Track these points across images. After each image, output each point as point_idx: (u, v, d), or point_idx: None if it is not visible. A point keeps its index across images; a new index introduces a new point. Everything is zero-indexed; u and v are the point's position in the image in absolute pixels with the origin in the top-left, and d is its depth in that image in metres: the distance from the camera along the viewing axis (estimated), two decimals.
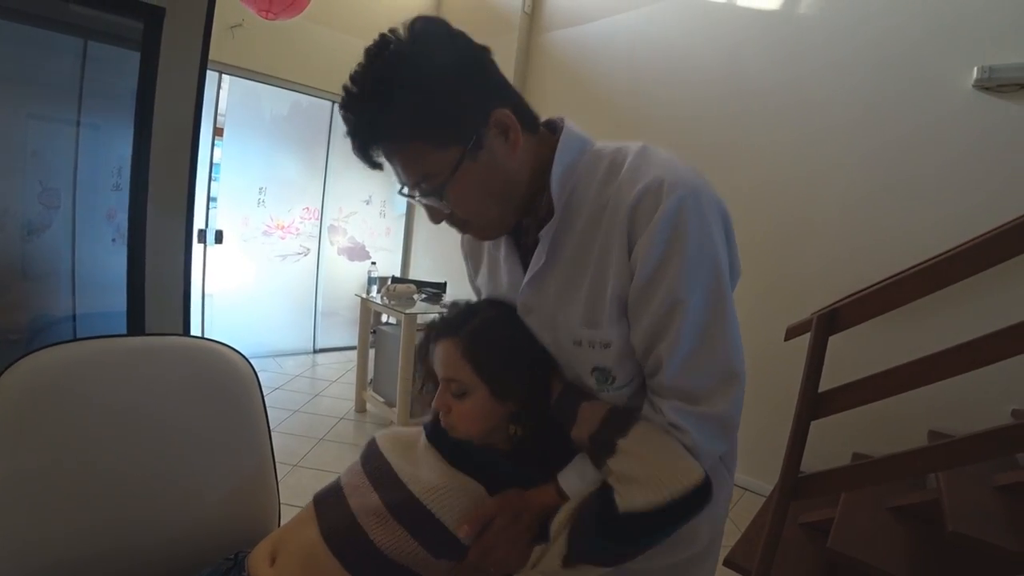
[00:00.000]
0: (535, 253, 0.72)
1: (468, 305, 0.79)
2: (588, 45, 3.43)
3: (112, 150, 1.84)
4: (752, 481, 2.67)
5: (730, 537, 2.08)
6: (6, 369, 0.69)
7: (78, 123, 1.81)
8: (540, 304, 0.74)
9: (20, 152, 1.78)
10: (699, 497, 0.60)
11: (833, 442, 2.15)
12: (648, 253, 0.63)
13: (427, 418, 0.82)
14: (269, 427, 0.97)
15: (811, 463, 1.61)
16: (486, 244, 0.85)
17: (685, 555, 0.77)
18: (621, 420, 0.65)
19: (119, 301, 1.77)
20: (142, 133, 0.83)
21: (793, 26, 2.63)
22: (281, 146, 3.98)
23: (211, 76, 2.68)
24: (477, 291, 0.93)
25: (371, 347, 3.22)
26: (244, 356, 0.97)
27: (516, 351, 0.73)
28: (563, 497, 0.69)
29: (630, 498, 0.60)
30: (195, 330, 2.95)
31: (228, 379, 0.90)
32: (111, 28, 1.61)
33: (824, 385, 1.50)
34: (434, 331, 0.77)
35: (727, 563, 1.80)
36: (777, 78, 2.66)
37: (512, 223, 0.73)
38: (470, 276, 0.94)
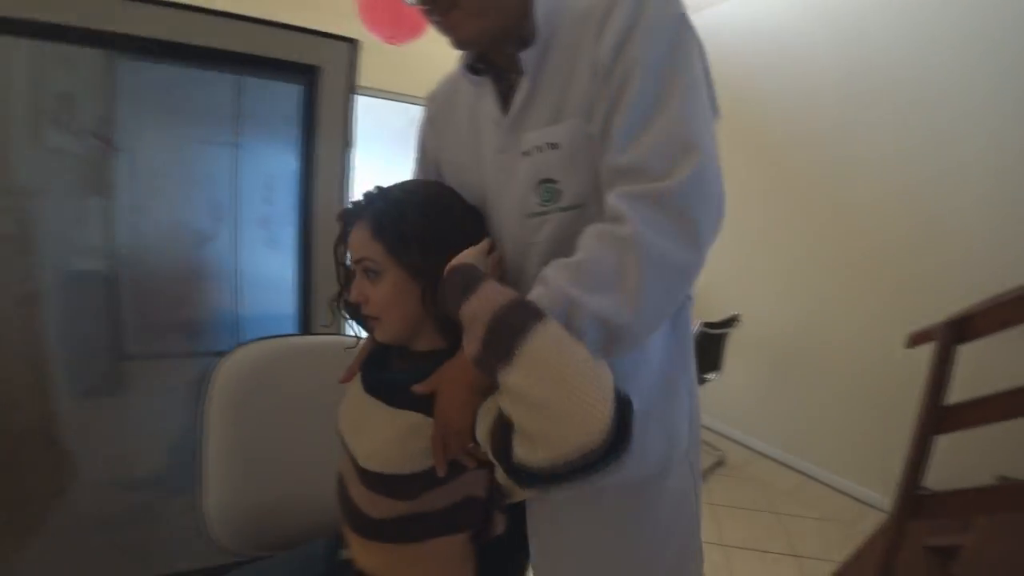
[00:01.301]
0: (519, 86, 0.68)
1: (377, 188, 0.75)
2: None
3: (261, 167, 2.08)
4: (872, 495, 2.49)
5: (839, 550, 1.98)
6: (224, 356, 0.91)
7: (235, 145, 2.12)
8: (513, 143, 0.70)
9: (191, 173, 2.09)
10: (605, 455, 0.48)
11: (972, 461, 1.96)
12: (615, 29, 0.60)
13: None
14: None
15: (945, 482, 1.50)
16: (463, 99, 0.80)
17: (638, 474, 0.70)
18: (507, 333, 0.51)
19: (273, 297, 2.03)
20: (308, 156, 1.04)
21: (925, 2, 2.38)
22: (399, 153, 4.31)
23: None
24: (423, 157, 0.89)
25: None
26: None
27: (427, 226, 0.69)
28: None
29: (523, 452, 0.51)
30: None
31: None
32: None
33: (955, 398, 1.40)
34: (346, 219, 0.75)
35: None
36: (906, 64, 2.40)
37: (492, 27, 0.68)
38: (424, 133, 0.89)
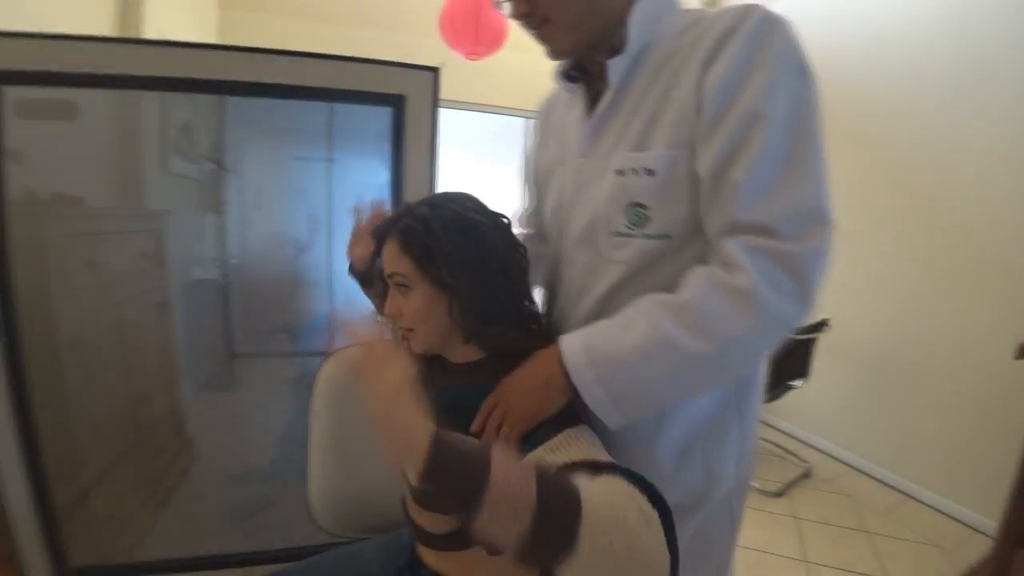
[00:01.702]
0: (604, 94, 0.69)
1: (405, 205, 0.77)
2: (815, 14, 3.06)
3: (353, 180, 2.26)
4: (977, 518, 2.28)
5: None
6: (329, 355, 1.04)
7: (329, 160, 2.32)
8: (595, 152, 0.71)
9: (290, 188, 2.29)
10: None
11: None
12: (728, 65, 0.57)
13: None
14: None
15: None
16: (559, 110, 0.84)
17: (671, 501, 0.67)
18: (559, 519, 0.42)
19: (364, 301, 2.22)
20: (397, 171, 1.17)
21: None
22: (481, 161, 4.46)
23: None
24: (529, 170, 0.94)
25: None
26: None
27: (452, 239, 0.70)
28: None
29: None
30: None
31: None
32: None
33: None
34: (378, 236, 0.77)
35: None
36: (1020, 41, 2.16)
37: (585, 39, 0.68)
38: (529, 151, 0.95)
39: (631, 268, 0.67)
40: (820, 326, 2.53)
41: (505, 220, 0.78)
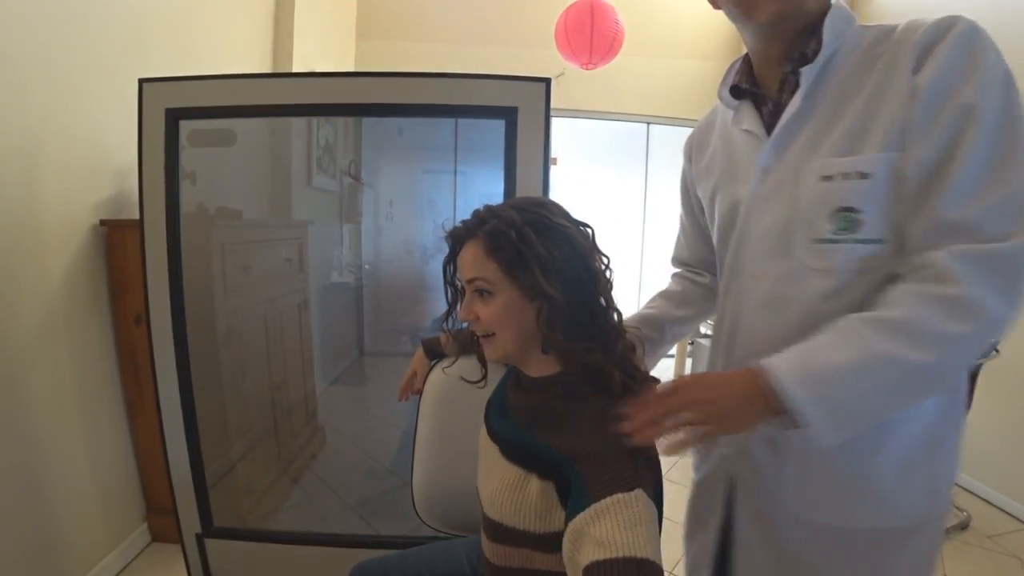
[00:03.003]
0: (791, 102, 0.70)
1: (488, 208, 0.73)
2: (925, 5, 2.77)
3: (476, 189, 2.37)
4: None
5: None
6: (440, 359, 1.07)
7: (454, 172, 2.46)
8: (783, 161, 0.71)
9: (419, 199, 2.47)
10: None
11: None
12: (941, 68, 0.59)
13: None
14: None
15: None
16: (717, 126, 0.87)
17: (891, 524, 0.70)
18: None
19: None
20: (511, 179, 1.23)
21: None
22: (604, 168, 4.44)
23: None
24: (685, 200, 1.00)
25: (688, 357, 3.32)
26: None
27: (543, 244, 0.68)
28: None
29: None
30: None
31: None
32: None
33: None
34: (456, 238, 0.74)
35: None
36: None
37: (788, 13, 0.68)
38: (684, 173, 0.99)
39: (839, 276, 0.67)
40: (987, 351, 2.15)
41: (590, 229, 0.76)
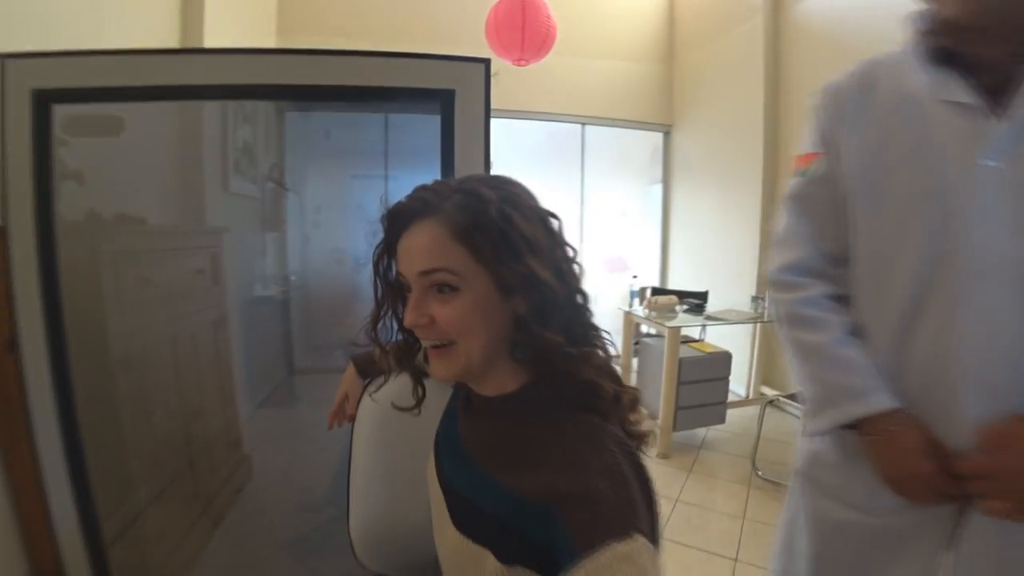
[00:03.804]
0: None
1: (441, 183, 0.59)
2: (851, 7, 2.90)
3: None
4: None
5: None
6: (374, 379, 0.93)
7: (385, 177, 2.27)
8: (1015, 174, 0.60)
9: (349, 204, 2.30)
10: None
11: None
12: None
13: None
14: None
15: None
16: (880, 90, 0.73)
17: None
18: None
19: None
20: (448, 167, 1.10)
21: None
22: (539, 170, 4.38)
23: None
24: (829, 183, 0.77)
25: (634, 356, 3.28)
26: None
27: (528, 222, 0.56)
28: None
29: None
30: None
31: None
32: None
33: None
34: (399, 217, 0.58)
35: None
36: None
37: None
38: (826, 138, 0.78)
39: None
40: None
41: (556, 219, 0.63)
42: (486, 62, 1.08)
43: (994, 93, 0.63)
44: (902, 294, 0.69)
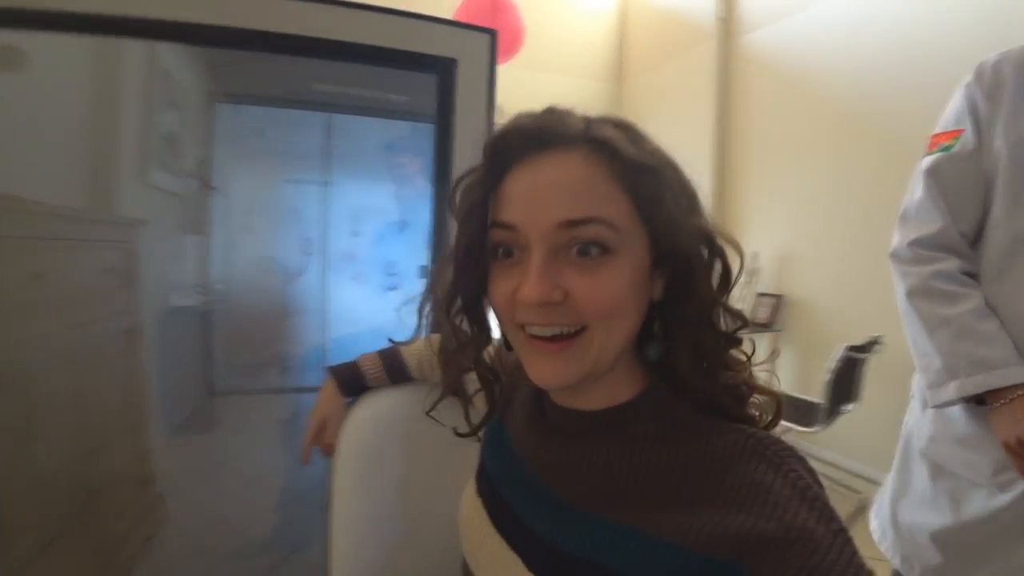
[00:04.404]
0: None
1: (558, 111, 0.43)
2: (797, 39, 3.05)
3: (349, 202, 2.14)
4: None
5: None
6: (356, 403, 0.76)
7: (325, 183, 2.12)
8: None
9: (283, 210, 2.12)
10: None
11: None
12: None
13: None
14: None
15: None
16: (1011, 69, 0.76)
17: None
18: None
19: (360, 332, 1.94)
20: (445, 148, 0.92)
21: None
22: None
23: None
24: (982, 135, 0.78)
25: None
26: None
27: (685, 177, 0.44)
28: None
29: None
30: None
31: None
32: (348, 99, 1.89)
33: None
34: (519, 143, 0.42)
35: None
36: None
37: None
38: (978, 110, 0.80)
39: None
40: (872, 344, 2.32)
41: None
42: (492, 33, 0.95)
43: None
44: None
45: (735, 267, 0.43)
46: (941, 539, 0.82)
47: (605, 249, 0.39)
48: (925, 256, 0.82)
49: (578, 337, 0.40)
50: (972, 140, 0.81)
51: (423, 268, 2.23)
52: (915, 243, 0.83)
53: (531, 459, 0.47)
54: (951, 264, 0.80)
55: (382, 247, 2.20)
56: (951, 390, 0.75)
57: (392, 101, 2.08)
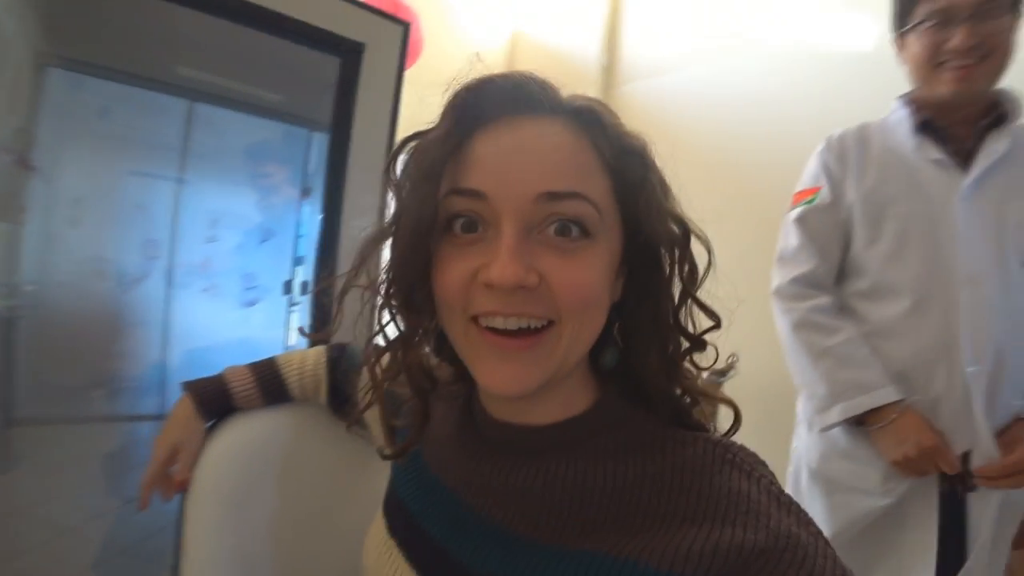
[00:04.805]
0: (982, 152, 0.84)
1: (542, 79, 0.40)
2: (668, 97, 3.37)
3: (205, 204, 1.95)
4: None
5: None
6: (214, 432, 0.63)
7: (179, 180, 1.92)
8: (984, 195, 0.83)
9: (122, 206, 1.90)
10: None
11: None
12: None
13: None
14: None
15: None
16: (875, 148, 0.94)
17: None
18: None
19: (209, 350, 1.84)
20: (342, 139, 0.82)
21: (890, 68, 2.51)
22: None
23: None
24: (836, 199, 0.95)
25: None
26: None
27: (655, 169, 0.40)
28: None
29: None
30: None
31: None
32: (216, 90, 1.80)
33: None
34: (493, 100, 0.37)
35: None
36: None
37: (991, 82, 0.84)
38: (831, 177, 0.97)
39: None
40: (727, 370, 2.54)
41: None
42: (406, 25, 0.90)
43: (959, 155, 0.88)
44: (905, 298, 0.87)
45: (701, 263, 0.41)
46: (836, 545, 0.94)
47: (585, 232, 0.35)
48: (803, 293, 0.95)
49: (545, 333, 0.35)
50: (828, 195, 0.97)
51: (288, 283, 2.08)
52: (795, 280, 0.96)
53: (463, 487, 0.40)
54: (825, 300, 0.93)
55: (241, 257, 2.03)
56: (835, 413, 0.87)
57: (265, 98, 1.94)
